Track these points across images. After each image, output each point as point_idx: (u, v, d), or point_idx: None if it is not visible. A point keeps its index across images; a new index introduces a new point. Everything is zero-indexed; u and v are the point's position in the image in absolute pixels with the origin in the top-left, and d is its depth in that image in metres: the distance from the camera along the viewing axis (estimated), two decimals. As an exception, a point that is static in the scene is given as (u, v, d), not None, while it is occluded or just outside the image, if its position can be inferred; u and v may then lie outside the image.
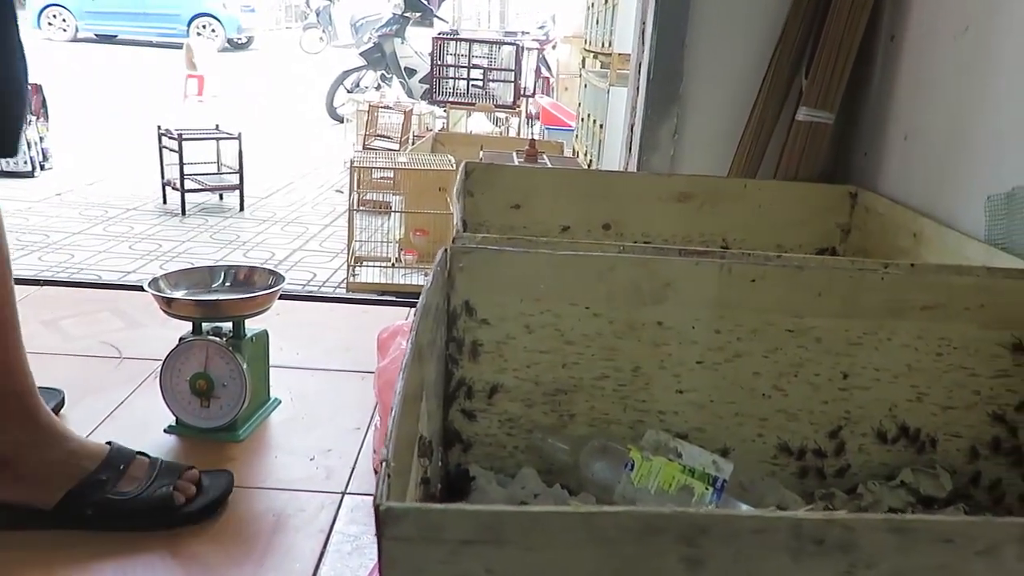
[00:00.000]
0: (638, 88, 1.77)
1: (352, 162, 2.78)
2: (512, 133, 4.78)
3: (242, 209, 3.92)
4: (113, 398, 1.42)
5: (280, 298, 1.57)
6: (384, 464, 0.48)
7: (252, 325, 1.33)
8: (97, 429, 1.32)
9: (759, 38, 1.62)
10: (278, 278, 1.34)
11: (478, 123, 5.09)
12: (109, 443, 1.13)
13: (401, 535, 0.44)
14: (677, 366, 0.99)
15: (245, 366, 1.26)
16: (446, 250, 0.94)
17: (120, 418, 1.36)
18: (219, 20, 12.83)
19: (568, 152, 3.51)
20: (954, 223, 1.22)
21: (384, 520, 0.44)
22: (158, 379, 1.28)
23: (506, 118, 4.75)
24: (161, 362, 1.28)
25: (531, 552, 0.44)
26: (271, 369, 1.42)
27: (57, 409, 1.34)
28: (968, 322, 0.97)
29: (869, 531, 0.45)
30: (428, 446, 0.70)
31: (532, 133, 4.50)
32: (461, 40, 4.49)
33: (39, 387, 1.09)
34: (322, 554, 1.06)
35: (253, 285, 1.37)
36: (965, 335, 0.97)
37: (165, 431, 1.30)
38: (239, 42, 13.29)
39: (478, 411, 1.00)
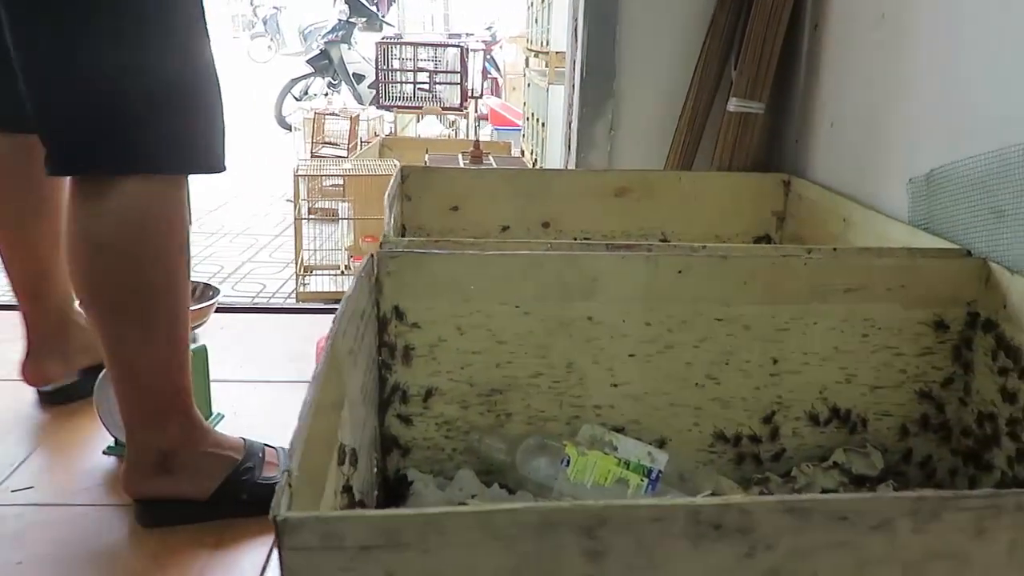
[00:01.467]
0: (574, 85, 1.77)
1: (296, 171, 2.76)
2: (462, 135, 4.78)
3: (190, 222, 3.87)
4: (51, 420, 1.39)
5: (226, 311, 1.55)
6: (286, 474, 0.48)
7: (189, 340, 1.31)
8: (35, 452, 1.29)
9: (689, 32, 1.64)
10: (214, 291, 1.33)
11: (428, 126, 5.08)
12: (243, 439, 1.17)
13: (300, 545, 0.44)
14: (610, 360, 0.99)
15: (183, 382, 1.24)
16: (372, 256, 0.93)
17: (57, 440, 1.33)
18: (164, 32, 12.61)
19: (516, 152, 3.52)
20: (880, 206, 1.24)
21: (282, 531, 0.44)
22: (94, 399, 1.26)
23: (454, 120, 4.74)
24: (97, 383, 1.26)
25: (429, 554, 0.44)
26: (213, 384, 1.40)
27: None
28: (891, 302, 0.99)
29: (765, 513, 0.46)
30: (352, 454, 0.70)
31: (479, 134, 4.50)
32: (405, 44, 4.48)
33: None
34: (265, 567, 1.04)
35: (189, 299, 1.35)
36: (889, 315, 0.99)
37: (104, 452, 1.28)
38: (185, 54, 13.07)
39: (414, 415, 1.00)
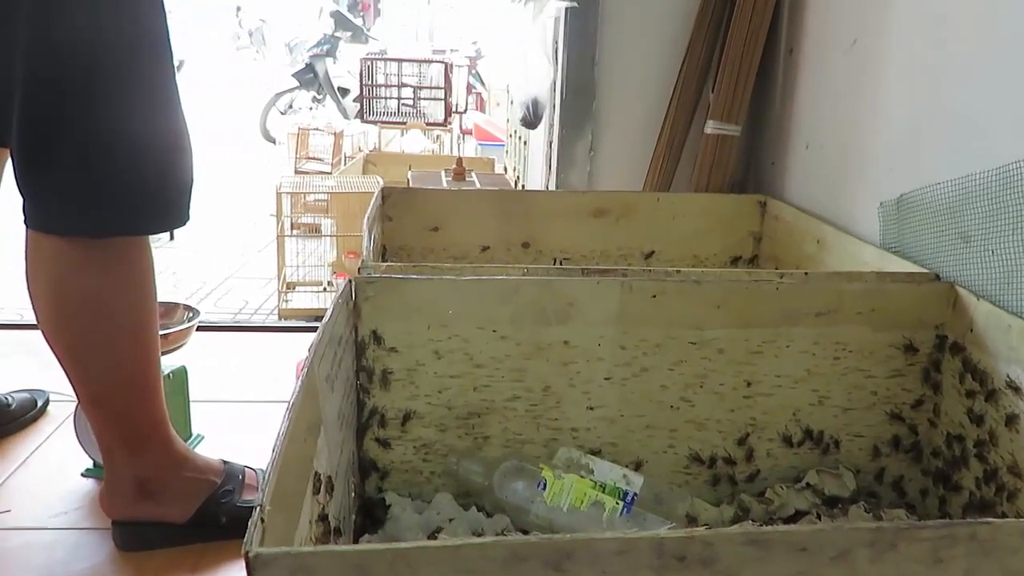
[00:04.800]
0: (554, 105, 1.79)
1: (279, 188, 2.76)
2: (447, 149, 4.79)
3: (172, 238, 3.86)
4: (30, 442, 1.38)
5: (207, 330, 1.54)
6: (258, 509, 0.48)
7: (170, 361, 1.32)
8: (14, 473, 1.28)
9: (667, 55, 1.66)
10: (194, 313, 1.33)
11: (413, 141, 5.10)
12: (223, 461, 1.18)
13: (272, 580, 0.45)
14: (586, 383, 1.01)
15: (162, 404, 1.24)
16: (350, 281, 0.94)
17: (36, 463, 1.33)
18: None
19: (499, 168, 3.53)
20: (853, 228, 1.26)
21: (254, 566, 0.45)
22: (73, 422, 1.26)
23: (439, 135, 4.77)
24: (75, 405, 1.26)
25: (399, 588, 0.45)
26: (194, 404, 1.40)
27: (44, 408, 1.47)
28: (861, 326, 1.01)
29: (727, 545, 0.47)
30: (328, 482, 0.71)
31: (463, 150, 4.52)
32: (389, 60, 4.50)
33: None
34: (243, 591, 1.04)
35: (169, 321, 1.36)
36: (859, 338, 1.01)
37: (82, 475, 1.28)
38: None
39: (392, 439, 1.01)
